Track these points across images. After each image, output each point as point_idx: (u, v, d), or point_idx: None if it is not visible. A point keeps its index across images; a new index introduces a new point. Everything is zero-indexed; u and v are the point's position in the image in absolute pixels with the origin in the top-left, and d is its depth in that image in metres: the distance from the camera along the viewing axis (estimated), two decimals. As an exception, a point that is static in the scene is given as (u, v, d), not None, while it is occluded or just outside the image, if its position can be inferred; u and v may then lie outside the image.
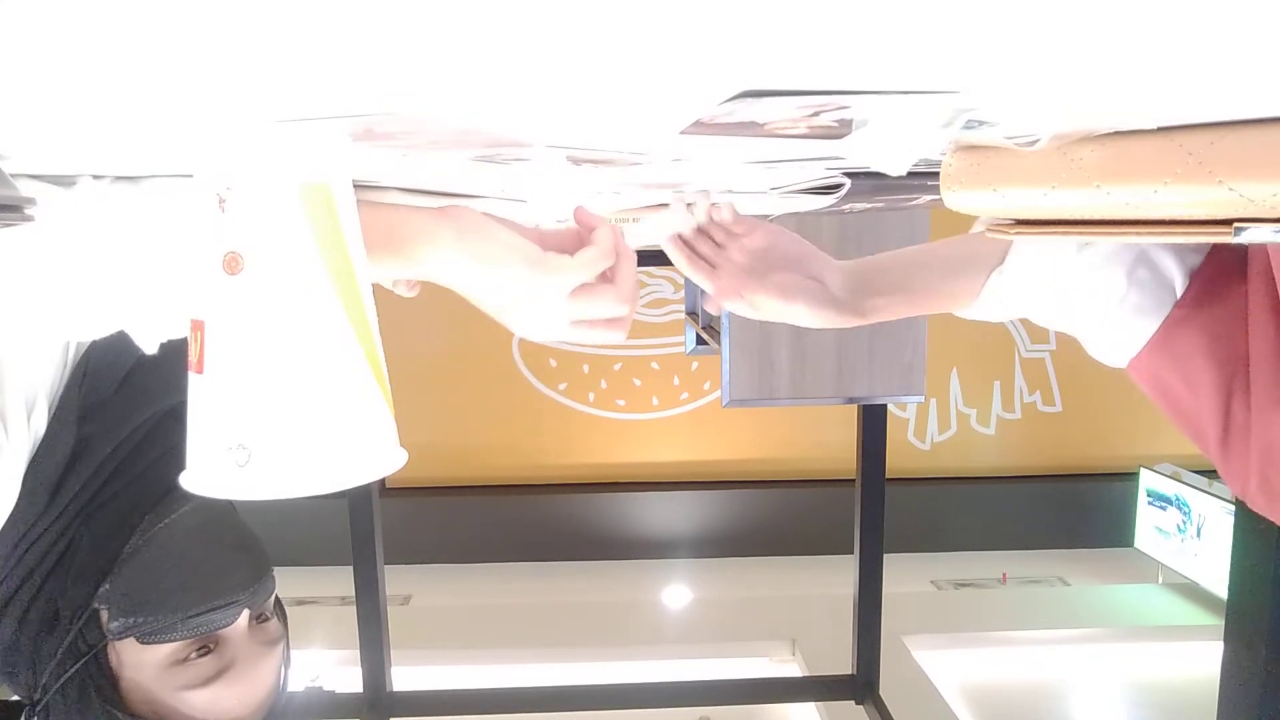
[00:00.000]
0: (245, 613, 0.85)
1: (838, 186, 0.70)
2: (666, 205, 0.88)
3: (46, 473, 0.80)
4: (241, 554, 0.88)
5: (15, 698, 0.83)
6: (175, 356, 0.52)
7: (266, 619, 0.88)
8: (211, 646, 0.83)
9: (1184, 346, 0.96)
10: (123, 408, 0.85)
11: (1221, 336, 0.93)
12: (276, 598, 0.91)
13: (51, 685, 0.79)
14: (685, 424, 4.79)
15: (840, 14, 0.26)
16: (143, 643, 0.80)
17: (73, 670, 0.79)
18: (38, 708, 0.79)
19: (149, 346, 0.60)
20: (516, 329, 0.68)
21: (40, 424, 0.80)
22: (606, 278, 0.68)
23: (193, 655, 0.81)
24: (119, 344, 0.60)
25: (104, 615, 0.81)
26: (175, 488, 0.44)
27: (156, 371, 0.86)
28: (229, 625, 0.83)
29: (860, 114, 0.41)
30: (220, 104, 0.37)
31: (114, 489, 0.84)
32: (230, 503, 0.90)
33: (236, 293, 0.44)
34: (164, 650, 0.80)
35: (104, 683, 0.80)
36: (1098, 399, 4.78)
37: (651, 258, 1.12)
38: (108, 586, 0.81)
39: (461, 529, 4.61)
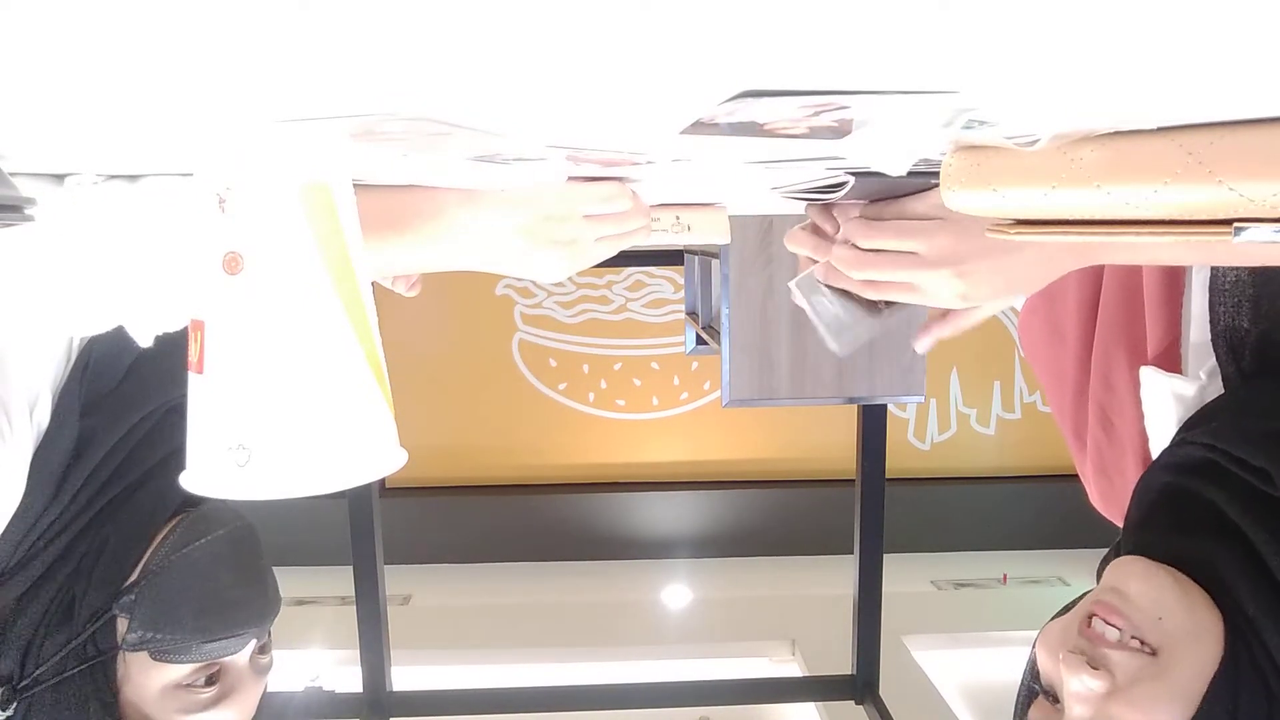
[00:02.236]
0: (252, 643, 0.86)
1: (839, 186, 0.70)
2: (712, 205, 0.86)
3: (51, 466, 0.81)
4: (260, 586, 0.90)
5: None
6: (177, 351, 0.53)
7: (265, 650, 0.89)
8: (216, 674, 0.84)
9: (1059, 291, 0.98)
10: (125, 402, 0.86)
11: (1088, 283, 0.95)
12: None
13: (46, 678, 0.79)
14: (685, 424, 4.79)
15: (840, 14, 0.26)
16: (155, 659, 0.81)
17: (74, 671, 0.79)
18: (23, 694, 0.79)
19: (144, 340, 0.60)
20: (540, 274, 0.69)
21: (43, 417, 0.81)
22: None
23: (199, 682, 0.83)
24: (120, 339, 0.61)
25: (121, 624, 0.82)
26: (201, 501, 0.45)
27: (158, 366, 0.86)
28: (236, 654, 0.85)
29: (860, 114, 0.41)
30: (220, 104, 0.37)
31: (123, 485, 0.85)
32: (256, 532, 0.91)
33: (236, 293, 0.44)
34: (174, 673, 0.82)
35: (106, 691, 0.80)
36: (1098, 399, 4.77)
37: (652, 257, 1.11)
38: (132, 597, 0.82)
39: (461, 529, 4.60)
